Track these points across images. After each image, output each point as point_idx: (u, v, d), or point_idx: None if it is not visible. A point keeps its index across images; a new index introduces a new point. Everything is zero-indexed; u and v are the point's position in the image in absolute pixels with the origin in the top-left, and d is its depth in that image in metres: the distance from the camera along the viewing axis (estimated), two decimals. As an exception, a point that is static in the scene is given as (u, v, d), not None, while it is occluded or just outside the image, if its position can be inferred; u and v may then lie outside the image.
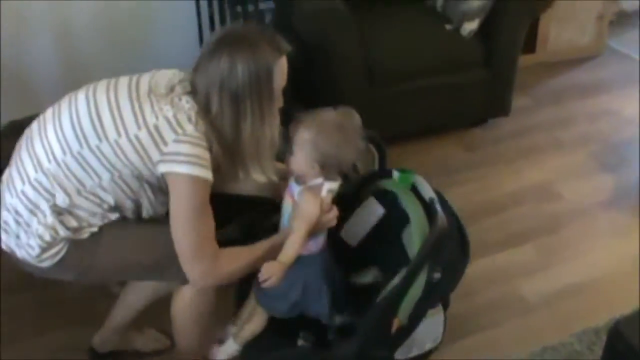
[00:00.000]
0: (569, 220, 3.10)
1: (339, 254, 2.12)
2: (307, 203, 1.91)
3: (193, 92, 1.81)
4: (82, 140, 1.77)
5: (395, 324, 1.93)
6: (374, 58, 3.30)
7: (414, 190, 2.09)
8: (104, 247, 1.86)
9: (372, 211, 2.20)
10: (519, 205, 3.20)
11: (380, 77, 3.34)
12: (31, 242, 1.81)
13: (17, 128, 2.06)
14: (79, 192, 1.79)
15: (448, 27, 3.50)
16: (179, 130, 1.72)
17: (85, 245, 1.84)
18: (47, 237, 1.79)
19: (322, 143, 1.87)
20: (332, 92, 3.28)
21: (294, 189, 1.96)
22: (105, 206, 1.83)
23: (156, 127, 1.73)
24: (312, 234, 1.93)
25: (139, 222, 1.94)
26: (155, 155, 1.74)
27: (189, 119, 1.74)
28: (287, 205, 1.99)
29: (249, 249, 1.91)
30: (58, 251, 1.82)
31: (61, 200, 1.78)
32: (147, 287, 2.13)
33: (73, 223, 1.80)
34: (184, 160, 1.72)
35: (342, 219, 2.09)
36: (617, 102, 4.02)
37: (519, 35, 3.57)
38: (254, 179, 1.95)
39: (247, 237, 2.02)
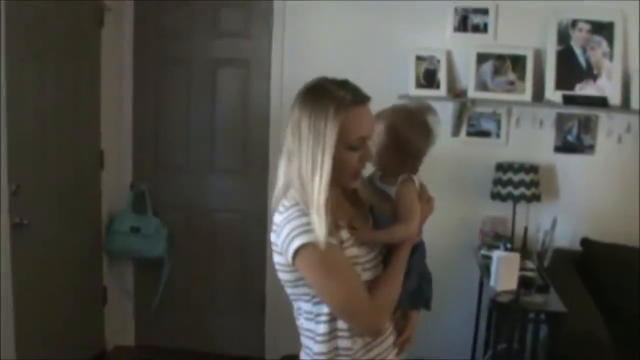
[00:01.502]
0: None
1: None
2: (407, 197, 1.94)
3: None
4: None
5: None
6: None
7: None
8: None
9: None
10: None
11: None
12: None
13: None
14: (309, 318, 1.88)
15: None
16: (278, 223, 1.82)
17: None
18: None
19: (401, 126, 1.94)
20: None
21: (387, 190, 2.00)
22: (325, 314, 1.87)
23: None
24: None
25: None
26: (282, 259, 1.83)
27: (283, 207, 1.83)
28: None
29: (387, 274, 1.90)
30: None
31: (322, 329, 1.86)
32: None
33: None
34: (290, 240, 1.76)
35: None
36: None
37: None
38: None
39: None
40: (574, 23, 3.96)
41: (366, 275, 1.86)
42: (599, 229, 3.99)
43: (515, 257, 3.47)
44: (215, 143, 4.37)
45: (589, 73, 3.97)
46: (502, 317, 3.60)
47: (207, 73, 4.32)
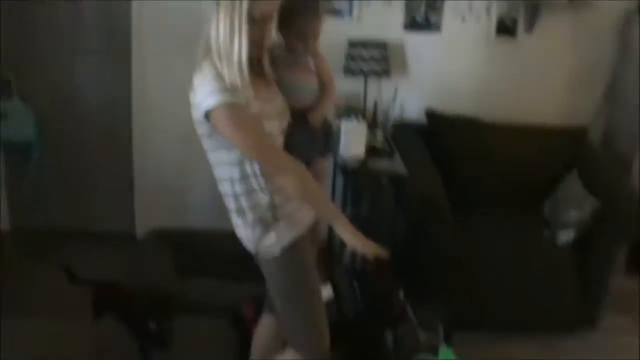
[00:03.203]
0: None
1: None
2: (325, 64, 2.46)
3: None
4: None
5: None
6: (468, 251, 3.60)
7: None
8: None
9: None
10: None
11: (470, 269, 3.60)
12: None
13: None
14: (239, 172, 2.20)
15: (546, 233, 3.79)
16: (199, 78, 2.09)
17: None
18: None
19: None
20: (425, 276, 3.52)
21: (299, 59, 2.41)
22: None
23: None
24: None
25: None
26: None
27: (200, 70, 2.09)
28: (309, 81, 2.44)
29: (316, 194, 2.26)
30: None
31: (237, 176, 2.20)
32: None
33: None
34: (204, 99, 2.05)
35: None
36: None
37: (613, 257, 3.70)
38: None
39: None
40: None
41: (270, 125, 2.18)
42: (444, 102, 4.30)
43: (362, 126, 3.74)
44: (81, 26, 4.36)
45: (436, -45, 4.17)
46: (351, 181, 3.91)
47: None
